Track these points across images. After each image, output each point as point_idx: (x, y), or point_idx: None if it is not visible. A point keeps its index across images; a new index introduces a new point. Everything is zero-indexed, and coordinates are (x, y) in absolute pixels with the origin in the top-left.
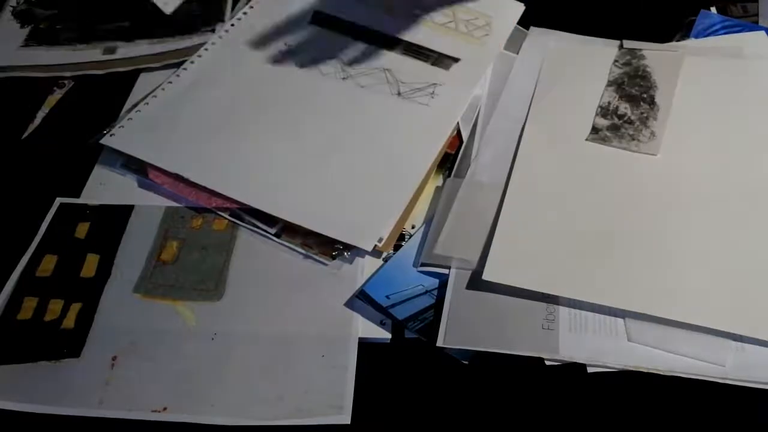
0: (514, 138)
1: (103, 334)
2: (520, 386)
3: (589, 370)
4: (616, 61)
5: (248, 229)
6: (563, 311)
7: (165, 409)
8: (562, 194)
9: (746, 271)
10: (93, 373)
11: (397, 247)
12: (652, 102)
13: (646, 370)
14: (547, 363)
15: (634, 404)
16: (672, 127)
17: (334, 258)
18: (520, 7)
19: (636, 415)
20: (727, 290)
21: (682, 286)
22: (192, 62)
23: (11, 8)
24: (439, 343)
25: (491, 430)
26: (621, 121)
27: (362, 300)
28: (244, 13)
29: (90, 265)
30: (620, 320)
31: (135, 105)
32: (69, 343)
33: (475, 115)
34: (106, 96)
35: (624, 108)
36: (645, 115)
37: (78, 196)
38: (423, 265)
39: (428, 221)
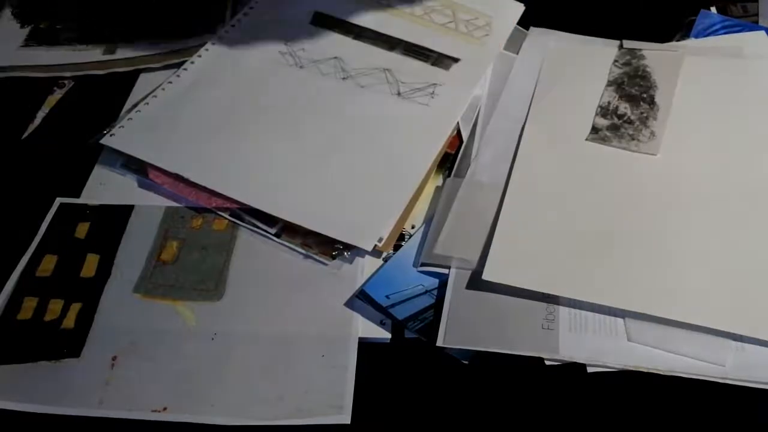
0: (514, 138)
1: (103, 334)
2: (520, 386)
3: (589, 370)
4: (616, 61)
5: (248, 229)
6: (563, 311)
7: (165, 409)
8: (562, 194)
9: (746, 271)
10: (93, 373)
11: (397, 247)
12: (651, 102)
13: (646, 370)
14: (547, 363)
15: (634, 404)
16: (672, 127)
17: (334, 258)
18: (520, 7)
19: (636, 415)
20: (727, 290)
21: (682, 286)
22: (192, 62)
23: (11, 8)
24: (439, 343)
25: (491, 430)
26: (621, 121)
27: (362, 300)
28: (244, 14)
29: (90, 265)
30: (620, 320)
31: (135, 105)
32: (69, 343)
33: (475, 115)
34: (106, 96)
35: (624, 108)
36: (645, 115)
37: (78, 196)
38: (423, 265)
39: (428, 221)
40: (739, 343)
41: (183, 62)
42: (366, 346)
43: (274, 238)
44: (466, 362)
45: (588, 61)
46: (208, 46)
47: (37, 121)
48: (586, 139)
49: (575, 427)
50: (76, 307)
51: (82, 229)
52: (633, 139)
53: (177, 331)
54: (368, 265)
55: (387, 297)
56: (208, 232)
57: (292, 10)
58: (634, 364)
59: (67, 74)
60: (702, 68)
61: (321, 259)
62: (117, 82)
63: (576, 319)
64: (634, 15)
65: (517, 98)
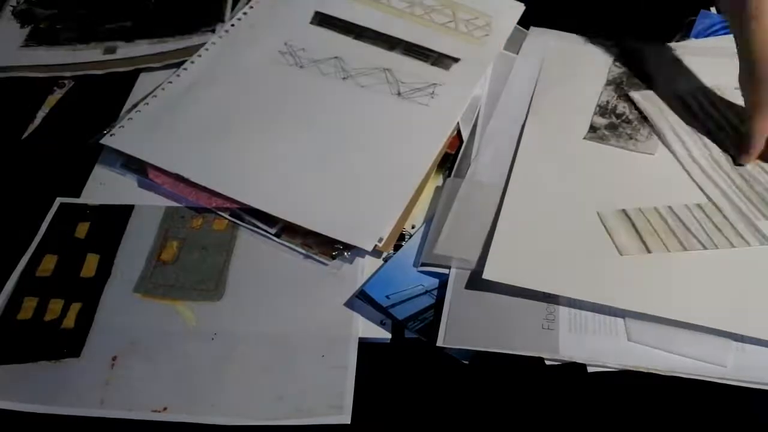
0: (514, 138)
1: (103, 334)
2: (520, 386)
3: (589, 370)
4: (615, 60)
5: (248, 229)
6: (563, 311)
7: (165, 409)
8: (561, 194)
9: (747, 271)
10: (93, 373)
11: (397, 247)
12: None
13: (645, 370)
14: (547, 363)
15: (634, 404)
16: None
17: (334, 258)
18: (520, 7)
19: (636, 415)
20: (727, 290)
21: (682, 286)
22: (192, 62)
23: (11, 8)
24: (439, 342)
25: (491, 430)
26: (619, 120)
27: (362, 300)
28: (244, 13)
29: (90, 265)
30: (620, 320)
31: (135, 105)
32: (69, 343)
33: (475, 115)
34: (106, 96)
35: (622, 107)
36: (643, 114)
37: (78, 196)
38: (423, 265)
39: (428, 221)
40: (740, 344)
41: (183, 62)
42: (366, 346)
43: (274, 238)
44: (466, 362)
45: (588, 61)
46: (208, 46)
47: (37, 121)
48: (584, 138)
49: (575, 427)
50: (76, 307)
51: (82, 229)
52: (631, 138)
53: (177, 331)
54: (368, 265)
55: (387, 297)
56: (208, 232)
57: (292, 9)
58: (634, 364)
59: (67, 74)
60: (702, 68)
61: (321, 259)
62: (117, 82)
63: (576, 319)
64: (634, 15)
65: (517, 98)
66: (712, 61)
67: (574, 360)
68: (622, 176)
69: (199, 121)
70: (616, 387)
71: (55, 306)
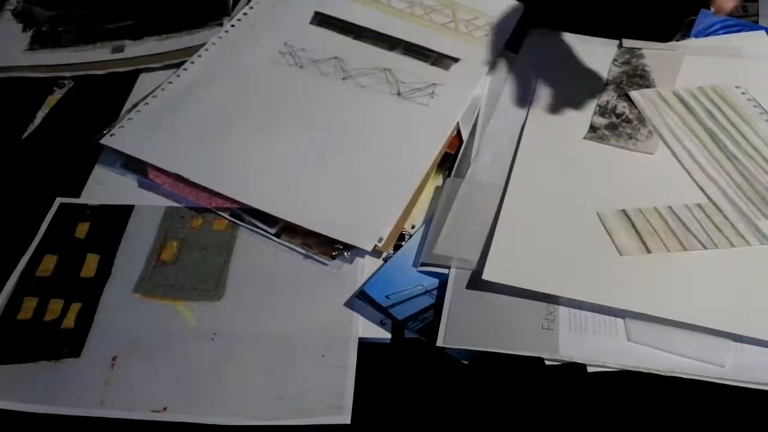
0: (514, 138)
1: (103, 334)
2: (520, 386)
3: (589, 370)
4: (615, 60)
5: (248, 229)
6: (563, 311)
7: (165, 409)
8: (561, 194)
9: (747, 271)
10: (93, 373)
11: (397, 247)
12: None
13: (645, 370)
14: (547, 363)
15: (634, 404)
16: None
17: (334, 258)
18: (520, 7)
19: (636, 415)
20: (727, 290)
21: (682, 286)
22: (192, 62)
23: (11, 9)
24: (439, 343)
25: (491, 430)
26: (619, 120)
27: (362, 300)
28: (244, 14)
29: (90, 265)
30: (620, 320)
31: (135, 105)
32: (69, 343)
33: (475, 115)
34: (106, 96)
35: (622, 107)
36: (643, 114)
37: (78, 196)
38: (423, 265)
39: (428, 221)
40: (739, 344)
41: (183, 62)
42: (366, 346)
43: (274, 238)
44: (466, 362)
45: (588, 61)
46: (208, 46)
47: (37, 121)
48: (584, 138)
49: (575, 427)
50: (76, 307)
51: (82, 229)
52: (631, 138)
53: (177, 331)
54: (368, 265)
55: (387, 297)
56: (208, 232)
57: (292, 9)
58: (633, 364)
59: (67, 74)
60: (702, 68)
61: (321, 259)
62: (117, 82)
63: (576, 319)
64: (634, 15)
65: (517, 98)
66: (712, 61)
67: (574, 360)
68: (622, 176)
69: (199, 121)
70: (616, 387)
71: (55, 306)
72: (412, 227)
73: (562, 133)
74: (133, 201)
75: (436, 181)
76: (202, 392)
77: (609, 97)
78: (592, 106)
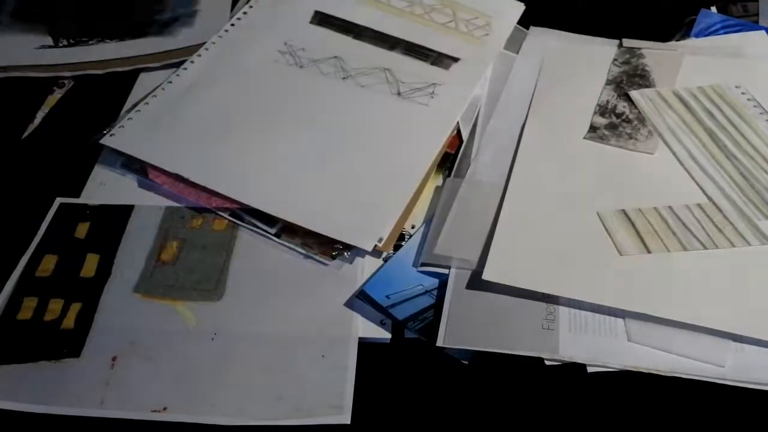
0: (514, 138)
1: (103, 334)
2: (520, 386)
3: (589, 370)
4: (615, 60)
5: (248, 229)
6: (563, 311)
7: (165, 409)
8: (561, 194)
9: (747, 271)
10: (93, 373)
11: (397, 247)
12: None
13: (645, 371)
14: (547, 363)
15: (634, 404)
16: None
17: (334, 258)
18: (520, 7)
19: (636, 415)
20: (727, 290)
21: (682, 286)
22: (192, 62)
23: (11, 8)
24: (439, 343)
25: (491, 430)
26: (619, 120)
27: (362, 300)
28: (244, 13)
29: (90, 265)
30: (620, 320)
31: (135, 105)
32: (69, 343)
33: (475, 115)
34: (106, 96)
35: (622, 107)
36: (643, 113)
37: (78, 196)
38: (423, 265)
39: (428, 221)
40: (739, 344)
41: (183, 62)
42: (366, 346)
43: (274, 238)
44: (466, 362)
45: (588, 61)
46: (208, 45)
47: (37, 121)
48: (584, 138)
49: (575, 427)
50: (76, 307)
51: (82, 229)
52: (631, 138)
53: (177, 331)
54: (368, 265)
55: (387, 297)
56: (208, 232)
57: (292, 9)
58: (633, 364)
59: (67, 74)
60: (702, 68)
61: (321, 259)
62: (117, 82)
63: (576, 319)
64: (634, 15)
65: (517, 98)
66: (712, 60)
67: (574, 360)
68: (622, 176)
69: (199, 121)
70: (616, 387)
71: (55, 306)
72: (412, 227)
73: (562, 133)
74: (133, 201)
75: (436, 181)
76: (202, 392)
77: (609, 97)
78: (592, 106)
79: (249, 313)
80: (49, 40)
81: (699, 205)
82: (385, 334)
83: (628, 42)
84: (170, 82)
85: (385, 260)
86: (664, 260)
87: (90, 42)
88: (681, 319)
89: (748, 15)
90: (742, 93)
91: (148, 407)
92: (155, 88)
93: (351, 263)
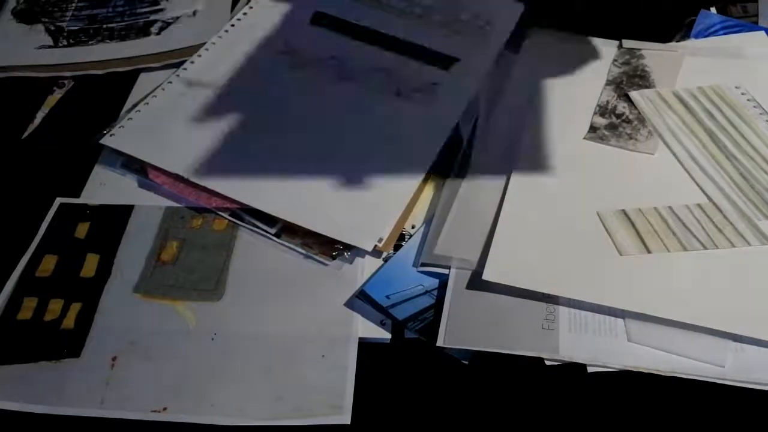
0: (515, 138)
1: (103, 334)
2: (520, 386)
3: (589, 370)
4: (615, 60)
5: (248, 229)
6: (563, 311)
7: (165, 409)
8: (561, 194)
9: (747, 271)
10: (93, 373)
11: (397, 247)
12: None
13: (646, 371)
14: (547, 363)
15: (634, 404)
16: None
17: (334, 258)
18: (520, 7)
19: (636, 415)
20: (727, 290)
21: (682, 286)
22: (192, 62)
23: (11, 8)
24: (439, 343)
25: (491, 430)
26: (619, 120)
27: (362, 300)
28: (244, 13)
29: (90, 265)
30: (620, 320)
31: (135, 105)
32: (69, 343)
33: (475, 115)
34: (106, 96)
35: (622, 107)
36: (643, 114)
37: (78, 196)
38: (423, 265)
39: (428, 221)
40: (739, 344)
41: (183, 62)
42: (366, 346)
43: (274, 238)
44: (466, 362)
45: (588, 61)
46: (208, 45)
47: (37, 121)
48: (584, 138)
49: (575, 427)
50: (76, 307)
51: (82, 229)
52: (631, 138)
53: (177, 331)
54: (368, 266)
55: (387, 297)
56: (208, 232)
57: (291, 9)
58: (633, 364)
59: (67, 74)
60: (702, 68)
61: (321, 260)
62: (117, 82)
63: (576, 319)
64: (634, 15)
65: (517, 98)
66: (711, 61)
67: (574, 360)
68: (622, 176)
69: (198, 121)
70: (616, 387)
71: (55, 306)
72: (412, 227)
73: (562, 133)
74: (133, 201)
75: (436, 181)
76: (202, 392)
77: (609, 97)
78: (592, 106)
79: (249, 313)
80: (49, 40)
81: (699, 206)
82: (385, 334)
83: (627, 43)
84: (170, 82)
85: (385, 260)
86: (664, 260)
87: (90, 42)
88: (681, 319)
89: (748, 16)
90: (742, 93)
91: (147, 407)
92: (155, 88)
93: (351, 263)
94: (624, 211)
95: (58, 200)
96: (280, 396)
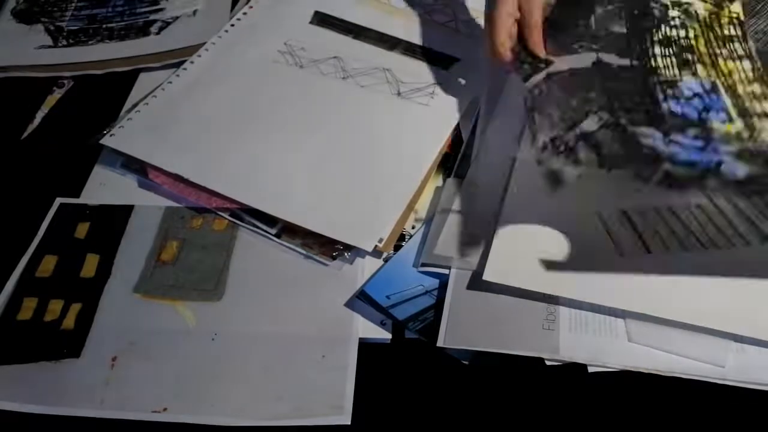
0: (515, 138)
1: (103, 334)
2: (520, 386)
3: (590, 370)
4: None
5: (248, 229)
6: (563, 311)
7: (165, 409)
8: (562, 194)
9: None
10: (93, 373)
11: (397, 247)
12: None
13: (646, 371)
14: (548, 363)
15: (634, 404)
16: None
17: (334, 258)
18: None
19: (636, 416)
20: (727, 290)
21: (682, 286)
22: (192, 62)
23: (11, 8)
24: (440, 343)
25: (491, 430)
26: None
27: (362, 300)
28: (244, 13)
29: (90, 265)
30: (620, 320)
31: (135, 105)
32: (69, 343)
33: (475, 115)
34: (106, 96)
35: None
36: None
37: (78, 196)
38: (423, 265)
39: (428, 221)
40: (739, 345)
41: (183, 62)
42: (366, 347)
43: (274, 239)
44: (466, 362)
45: None
46: (208, 45)
47: (37, 121)
48: None
49: (575, 427)
50: (76, 308)
51: (82, 229)
52: None
53: (177, 331)
54: (368, 266)
55: (387, 297)
56: (208, 232)
57: (292, 9)
58: (634, 364)
59: (67, 74)
60: None
61: (321, 260)
62: (117, 82)
63: (576, 320)
64: None
65: (517, 98)
66: None
67: (574, 360)
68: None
69: (199, 121)
70: (617, 387)
71: (55, 306)
72: (412, 227)
73: None
74: (133, 201)
75: (436, 181)
76: (202, 392)
77: None
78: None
79: (249, 313)
80: (48, 40)
81: (699, 206)
82: (385, 335)
83: None
84: (170, 82)
85: (386, 260)
86: (664, 260)
87: (90, 42)
88: (681, 319)
89: None
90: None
91: (148, 407)
92: (155, 88)
93: (351, 263)
94: (624, 211)
95: (58, 200)
96: (280, 396)
